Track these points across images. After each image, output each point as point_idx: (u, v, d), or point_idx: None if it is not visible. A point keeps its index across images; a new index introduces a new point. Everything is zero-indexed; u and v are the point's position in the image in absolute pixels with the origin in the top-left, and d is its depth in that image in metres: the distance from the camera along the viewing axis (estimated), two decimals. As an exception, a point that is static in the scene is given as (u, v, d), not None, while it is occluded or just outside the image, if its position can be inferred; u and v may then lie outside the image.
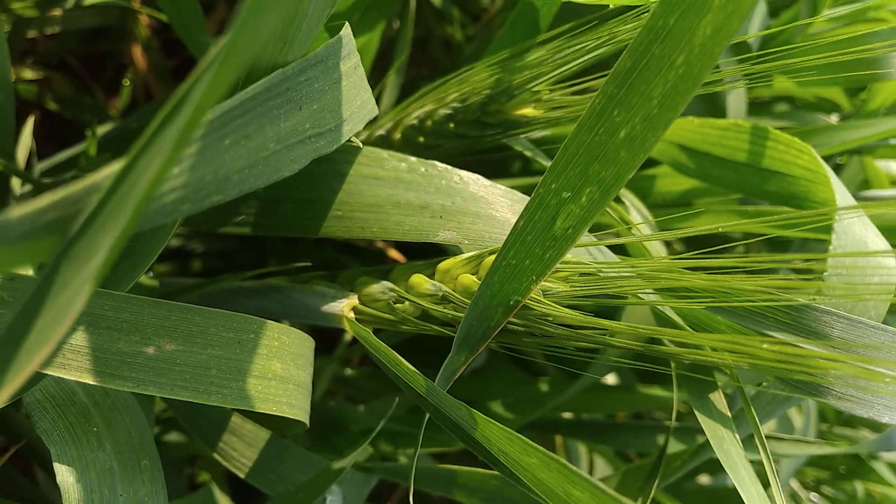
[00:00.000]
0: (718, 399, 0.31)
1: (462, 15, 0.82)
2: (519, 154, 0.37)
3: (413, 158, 0.29)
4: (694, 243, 0.67)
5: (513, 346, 0.27)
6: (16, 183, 0.46)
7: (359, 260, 0.56)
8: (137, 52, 0.78)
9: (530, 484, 0.20)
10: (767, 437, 0.43)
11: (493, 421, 0.20)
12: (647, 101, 0.19)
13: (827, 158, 0.71)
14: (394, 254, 0.58)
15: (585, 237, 0.30)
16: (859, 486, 1.14)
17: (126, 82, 0.56)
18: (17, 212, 0.13)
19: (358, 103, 0.24)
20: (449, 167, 0.29)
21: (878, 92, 0.63)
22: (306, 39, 0.21)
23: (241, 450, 0.31)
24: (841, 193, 0.32)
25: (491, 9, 0.89)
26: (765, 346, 0.20)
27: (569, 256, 0.25)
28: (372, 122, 0.39)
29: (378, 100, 0.54)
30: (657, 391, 0.44)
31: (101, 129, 0.50)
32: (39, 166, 0.51)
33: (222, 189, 0.17)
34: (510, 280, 0.23)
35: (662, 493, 0.56)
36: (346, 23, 0.26)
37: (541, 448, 0.19)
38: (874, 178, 0.62)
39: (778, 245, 0.58)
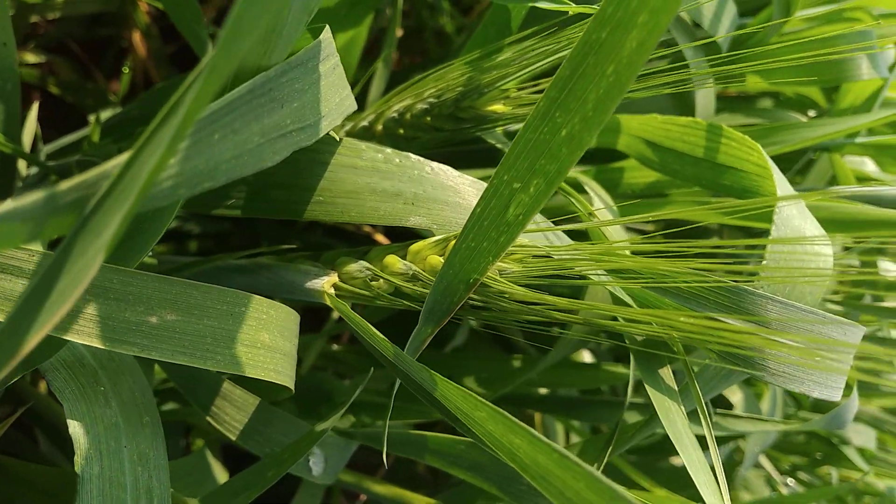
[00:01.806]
0: (667, 374, 0.34)
1: (453, 7, 0.84)
2: (492, 146, 0.40)
3: (389, 150, 0.31)
4: (672, 235, 0.70)
5: (487, 322, 0.30)
6: (22, 165, 0.48)
7: (347, 243, 0.59)
8: (137, 38, 0.80)
9: (481, 435, 0.23)
10: (724, 413, 0.46)
11: (449, 381, 0.23)
12: (584, 104, 0.22)
13: (800, 154, 0.74)
14: (380, 238, 0.61)
15: (544, 223, 0.33)
16: (834, 472, 1.18)
17: (126, 70, 0.59)
18: (42, 194, 0.16)
19: (336, 100, 0.27)
20: (422, 158, 0.31)
21: (847, 91, 0.66)
22: (287, 44, 0.24)
23: (232, 414, 0.34)
24: (783, 187, 0.35)
25: (483, 0, 0.92)
26: (682, 318, 0.23)
27: (524, 240, 0.28)
28: (356, 114, 0.42)
29: (366, 90, 0.57)
30: (621, 368, 0.47)
31: (103, 115, 0.53)
32: (45, 149, 0.54)
33: (213, 177, 0.20)
34: (470, 260, 0.26)
35: (637, 473, 0.59)
36: (327, 26, 0.29)
37: (487, 402, 0.22)
38: (842, 174, 0.65)
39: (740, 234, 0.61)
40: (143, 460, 0.27)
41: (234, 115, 0.20)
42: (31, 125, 0.52)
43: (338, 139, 0.30)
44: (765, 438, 0.66)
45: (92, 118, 0.51)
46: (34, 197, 0.14)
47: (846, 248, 0.61)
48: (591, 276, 0.29)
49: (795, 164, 0.73)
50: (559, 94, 0.22)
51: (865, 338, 0.51)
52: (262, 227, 0.74)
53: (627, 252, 0.28)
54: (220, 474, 0.41)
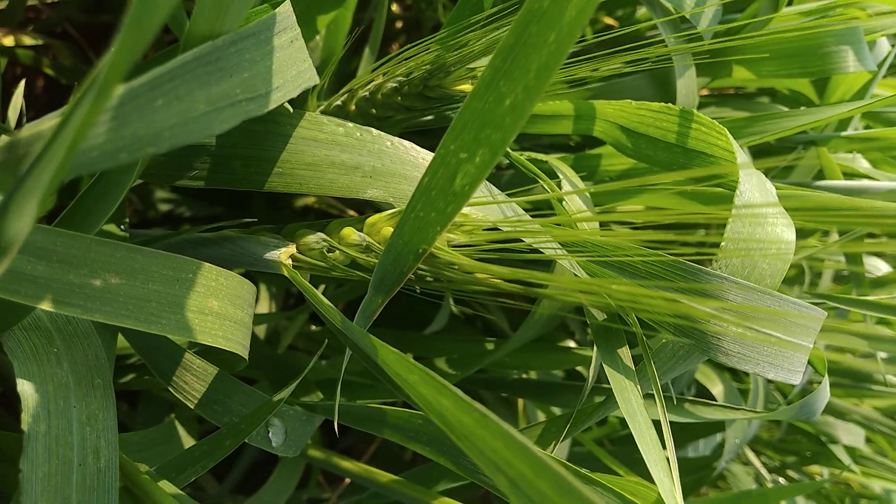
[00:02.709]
0: (625, 354, 0.34)
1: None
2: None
3: (350, 124, 0.32)
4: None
5: (432, 291, 0.30)
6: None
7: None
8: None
9: (415, 398, 0.23)
10: (694, 401, 0.46)
11: (387, 345, 0.23)
12: (527, 73, 0.22)
13: (790, 149, 0.74)
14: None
15: (501, 196, 0.33)
16: (825, 471, 1.17)
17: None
18: None
19: (293, 73, 0.27)
20: (382, 133, 0.32)
21: (837, 86, 0.66)
22: (239, 13, 0.24)
23: (192, 383, 0.34)
24: (747, 173, 0.35)
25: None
26: (614, 286, 0.23)
27: (476, 213, 0.28)
28: (333, 93, 0.42)
29: (352, 75, 0.57)
30: (588, 351, 0.48)
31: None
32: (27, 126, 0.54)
33: (155, 142, 0.20)
34: (418, 231, 0.26)
35: (614, 461, 0.59)
36: (287, 1, 0.29)
37: (418, 365, 0.22)
38: (828, 168, 0.64)
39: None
40: (91, 421, 0.27)
41: (178, 81, 0.21)
42: (16, 103, 0.52)
43: (290, 109, 0.30)
44: (745, 430, 0.66)
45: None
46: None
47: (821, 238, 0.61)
48: (544, 250, 0.29)
49: (785, 158, 0.73)
50: (503, 63, 0.23)
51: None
52: (254, 211, 0.75)
53: (579, 225, 0.29)
54: (190, 444, 0.42)
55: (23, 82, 0.54)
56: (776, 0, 0.61)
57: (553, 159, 0.43)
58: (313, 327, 0.56)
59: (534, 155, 0.42)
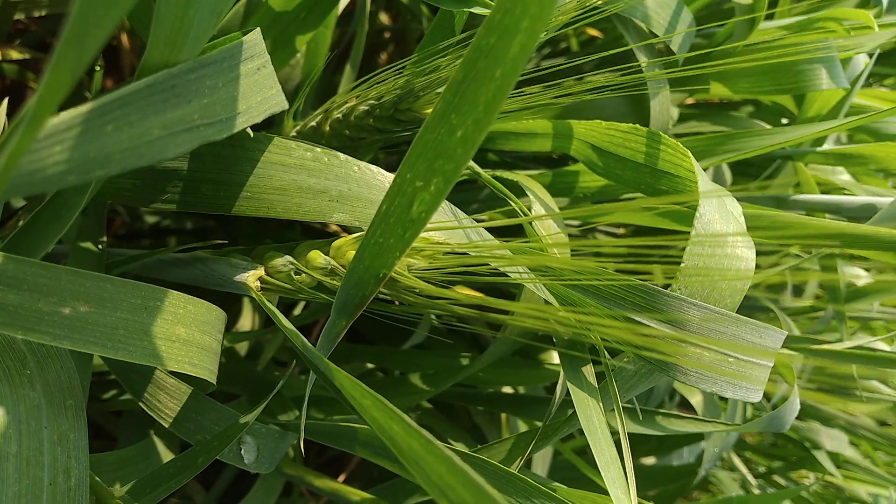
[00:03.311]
0: (589, 372, 0.35)
1: (431, 13, 0.85)
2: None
3: (319, 148, 0.32)
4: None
5: (394, 316, 0.31)
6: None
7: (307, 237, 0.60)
8: (124, 37, 0.82)
9: (369, 422, 0.24)
10: (667, 414, 0.46)
11: (341, 371, 0.24)
12: (475, 107, 0.23)
13: (769, 162, 0.75)
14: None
15: (466, 220, 0.34)
16: (811, 476, 1.18)
17: (98, 68, 0.60)
18: None
19: (258, 99, 0.28)
20: (350, 158, 0.32)
21: (813, 101, 0.67)
22: (196, 45, 0.25)
23: (165, 401, 0.35)
24: (705, 189, 0.36)
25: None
26: (562, 312, 0.24)
27: (436, 236, 0.29)
28: (314, 108, 0.43)
29: (335, 90, 0.58)
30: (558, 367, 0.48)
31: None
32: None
33: (105, 165, 0.21)
34: (378, 256, 0.27)
35: (590, 469, 0.60)
36: (258, 28, 0.30)
37: (370, 391, 0.23)
38: (805, 182, 0.65)
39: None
40: (62, 441, 0.28)
41: (129, 108, 0.22)
42: (-1, 121, 0.53)
43: (250, 134, 0.31)
44: (724, 439, 0.67)
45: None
46: None
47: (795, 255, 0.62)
48: (510, 273, 0.30)
49: (764, 172, 0.74)
50: (453, 98, 0.23)
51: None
52: (241, 223, 0.75)
53: (541, 250, 0.29)
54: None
55: (6, 101, 0.55)
56: (751, 21, 0.62)
57: (523, 177, 0.44)
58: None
59: (504, 173, 0.43)
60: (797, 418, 1.03)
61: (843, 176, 0.81)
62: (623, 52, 0.52)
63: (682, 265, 0.33)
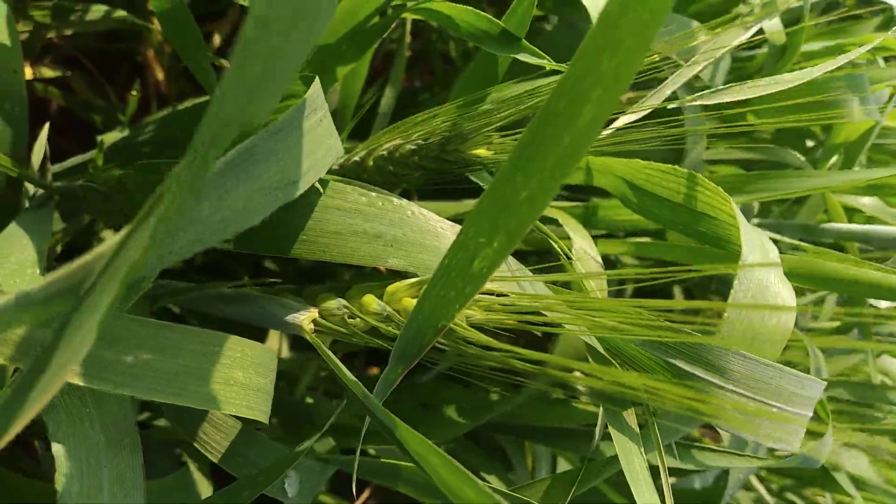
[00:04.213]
0: (630, 416, 0.35)
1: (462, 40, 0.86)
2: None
3: (373, 193, 0.33)
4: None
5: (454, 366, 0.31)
6: (29, 186, 0.50)
7: (360, 275, 0.61)
8: (151, 54, 0.83)
9: (434, 478, 0.24)
10: (701, 447, 0.47)
11: (405, 425, 0.25)
12: (542, 170, 0.24)
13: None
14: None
15: (519, 271, 0.34)
16: (828, 497, 1.18)
17: (134, 92, 0.61)
18: (43, 281, 0.18)
19: (322, 153, 0.29)
20: (404, 202, 0.33)
21: (839, 130, 0.67)
22: (274, 97, 0.26)
23: (214, 436, 0.35)
24: (748, 239, 0.36)
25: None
26: (624, 378, 0.24)
27: (494, 286, 0.30)
28: (349, 150, 0.44)
29: (372, 119, 0.59)
30: (590, 407, 0.49)
31: (111, 137, 0.55)
32: (52, 169, 0.56)
33: (190, 250, 0.21)
34: (438, 307, 0.27)
35: (618, 495, 0.60)
36: (317, 79, 0.31)
37: (439, 450, 0.23)
38: (833, 210, 0.66)
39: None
40: (120, 480, 0.28)
41: (223, 182, 0.22)
42: (40, 145, 0.54)
43: (320, 190, 0.32)
44: (748, 466, 0.67)
45: (99, 140, 0.53)
46: (34, 289, 0.16)
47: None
48: (564, 326, 0.31)
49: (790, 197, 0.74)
50: (520, 160, 0.24)
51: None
52: (287, 260, 0.76)
53: (597, 306, 0.30)
54: (206, 491, 0.43)
55: (47, 126, 0.56)
56: (780, 53, 0.62)
57: (563, 216, 0.45)
58: (323, 373, 0.57)
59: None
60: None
61: (866, 199, 0.81)
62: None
63: (726, 314, 0.34)
